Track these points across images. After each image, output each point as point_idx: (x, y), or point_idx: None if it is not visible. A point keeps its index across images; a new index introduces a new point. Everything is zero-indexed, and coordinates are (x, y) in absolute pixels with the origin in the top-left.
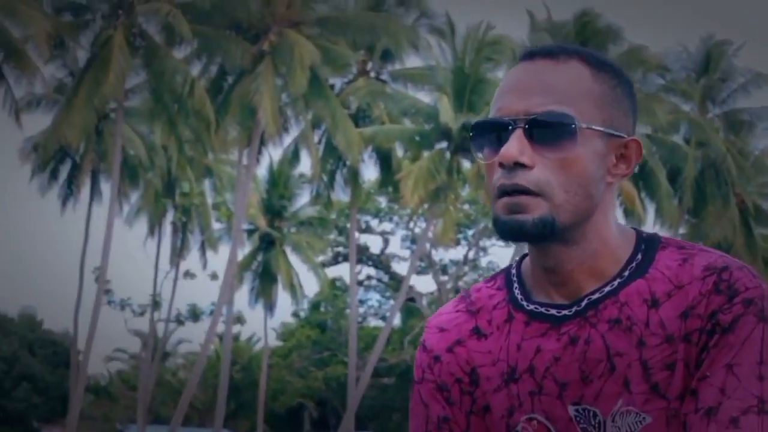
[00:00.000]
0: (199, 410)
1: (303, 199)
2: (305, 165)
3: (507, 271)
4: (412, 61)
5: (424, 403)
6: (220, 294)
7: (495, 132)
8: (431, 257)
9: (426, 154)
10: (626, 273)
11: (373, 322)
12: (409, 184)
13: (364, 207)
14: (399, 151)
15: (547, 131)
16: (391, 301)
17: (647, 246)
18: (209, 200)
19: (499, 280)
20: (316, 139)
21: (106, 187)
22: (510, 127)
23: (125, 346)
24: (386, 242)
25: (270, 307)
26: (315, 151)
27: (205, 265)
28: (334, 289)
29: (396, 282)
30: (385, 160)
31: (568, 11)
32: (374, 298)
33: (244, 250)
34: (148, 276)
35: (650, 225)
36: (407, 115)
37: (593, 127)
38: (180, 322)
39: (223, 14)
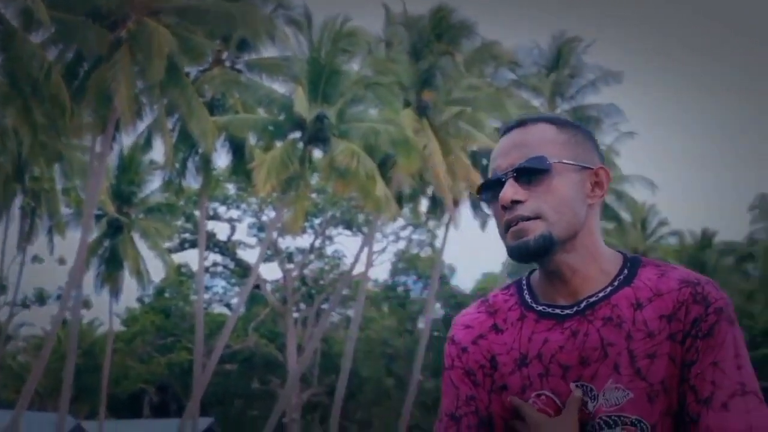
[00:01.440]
0: (40, 394)
1: (153, 185)
2: (158, 152)
3: (518, 281)
4: (269, 52)
5: (454, 385)
6: (69, 278)
7: (493, 188)
8: (277, 245)
9: (279, 143)
10: (616, 282)
11: (218, 309)
12: (262, 173)
13: (213, 194)
14: (252, 140)
15: (530, 172)
16: (236, 288)
17: (632, 263)
18: (59, 186)
19: (512, 288)
20: (170, 126)
21: None
22: (503, 179)
23: None
24: (233, 229)
25: (116, 293)
26: (168, 138)
27: (52, 250)
28: (180, 275)
29: (242, 269)
30: (238, 149)
31: (424, 6)
32: (220, 284)
33: (92, 235)
34: None
35: None
36: (262, 104)
37: (563, 161)
38: (25, 305)
39: (82, 1)
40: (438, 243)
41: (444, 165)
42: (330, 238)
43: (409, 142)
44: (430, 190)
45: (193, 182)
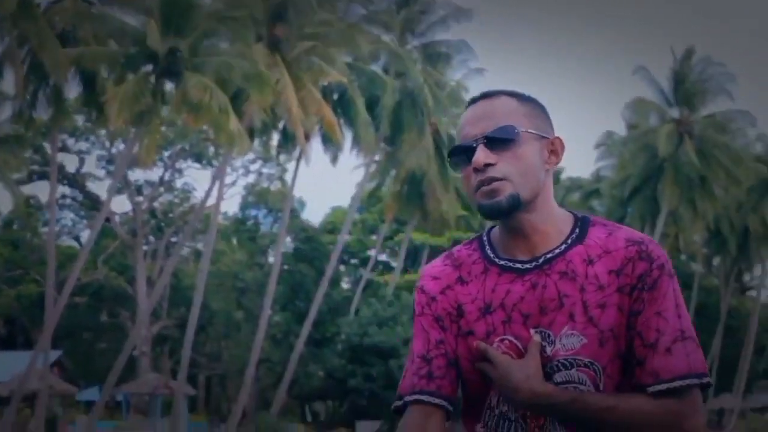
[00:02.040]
0: None
1: (2, 116)
2: (8, 82)
3: (479, 237)
4: None
5: (425, 330)
6: None
7: (464, 152)
8: (127, 178)
9: (131, 76)
10: (569, 240)
11: (67, 242)
12: (114, 107)
13: (62, 126)
14: (104, 73)
15: (499, 140)
16: (85, 221)
17: (582, 223)
18: None
19: (474, 244)
20: (20, 57)
21: None
22: (474, 145)
23: None
24: (82, 161)
25: None
26: (19, 69)
27: None
28: (29, 208)
29: (91, 201)
30: (89, 81)
31: None
32: (69, 217)
33: None
34: None
35: (347, 152)
36: (114, 37)
37: (529, 131)
38: None
39: None
40: (288, 177)
41: (296, 99)
42: (180, 170)
43: (261, 77)
44: (281, 124)
45: (43, 114)
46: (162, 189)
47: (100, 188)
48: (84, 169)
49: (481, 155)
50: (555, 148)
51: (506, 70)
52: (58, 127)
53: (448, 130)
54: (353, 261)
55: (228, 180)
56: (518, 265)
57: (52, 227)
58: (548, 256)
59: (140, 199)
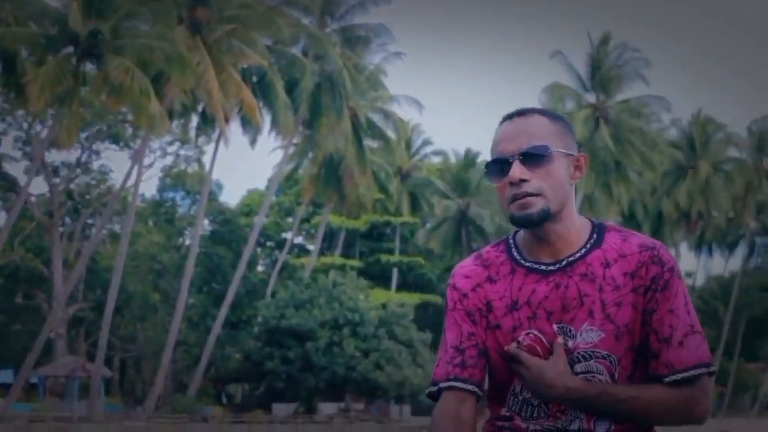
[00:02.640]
0: None
1: None
2: None
3: (506, 240)
4: None
5: (458, 323)
6: None
7: (499, 165)
8: (44, 159)
9: (52, 58)
10: (588, 245)
11: None
12: (35, 88)
13: None
14: (24, 54)
15: (534, 157)
16: (0, 202)
17: (599, 229)
18: None
19: (501, 246)
20: None
21: None
22: (510, 160)
23: None
24: None
25: None
26: None
27: None
28: None
29: (8, 183)
30: (9, 62)
31: None
32: None
33: None
34: None
35: (266, 134)
36: (34, 18)
37: (560, 150)
38: None
39: None
40: (206, 159)
41: (216, 82)
42: (97, 152)
43: (183, 59)
44: (200, 107)
45: None
46: (79, 170)
47: (16, 169)
48: (0, 150)
49: (517, 171)
50: (579, 164)
51: (424, 53)
52: None
53: (366, 113)
54: (269, 243)
55: (145, 162)
56: (543, 267)
57: None
58: (570, 259)
59: (57, 180)
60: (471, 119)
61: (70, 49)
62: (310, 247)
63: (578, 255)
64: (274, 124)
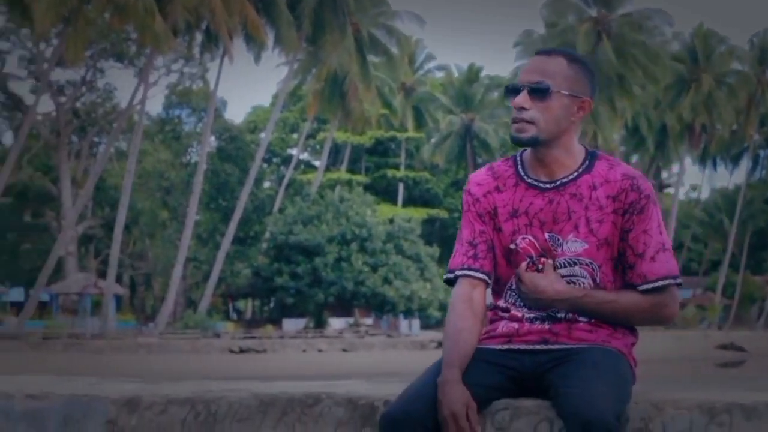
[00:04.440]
0: None
1: None
2: None
3: (515, 157)
4: None
5: (471, 222)
6: None
7: (513, 91)
8: (49, 78)
9: None
10: (581, 169)
11: None
12: (41, 7)
13: None
14: None
15: (538, 92)
16: (8, 122)
17: (591, 157)
18: None
19: (510, 161)
20: None
21: None
22: (520, 89)
23: None
24: (3, 62)
25: None
26: None
27: None
28: None
29: (13, 102)
30: None
31: None
32: None
33: None
34: None
35: (270, 51)
36: None
37: (561, 91)
38: None
39: None
40: (211, 77)
41: (220, 0)
42: (101, 70)
43: None
44: (204, 24)
45: None
46: (84, 89)
47: (21, 88)
48: (5, 70)
49: (520, 99)
50: (583, 106)
51: None
52: None
53: (369, 29)
54: (275, 160)
55: (150, 80)
56: (541, 185)
57: None
58: (563, 180)
59: (63, 99)
60: (473, 34)
61: None
62: (316, 163)
63: (570, 177)
64: (278, 41)
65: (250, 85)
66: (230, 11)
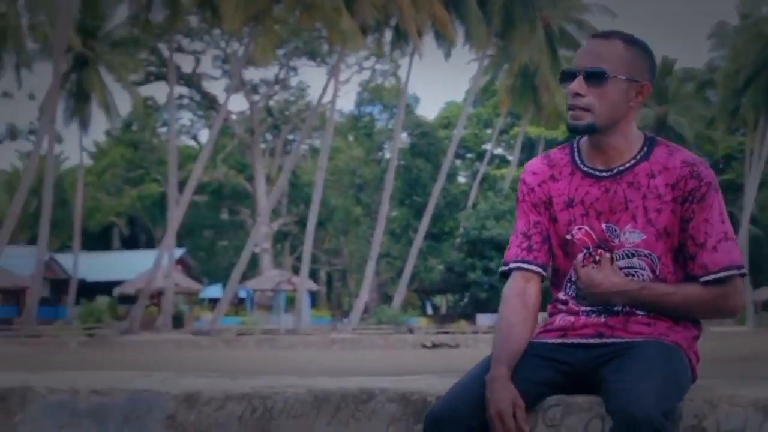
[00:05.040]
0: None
1: (118, 19)
2: None
3: (571, 144)
4: None
5: (526, 213)
6: (40, 113)
7: (570, 75)
8: (242, 77)
9: None
10: (638, 156)
11: (186, 141)
12: (230, 7)
13: (176, 27)
14: None
15: (594, 77)
16: (203, 121)
17: (650, 143)
18: (23, 20)
19: (566, 149)
20: None
21: None
22: (576, 74)
23: None
24: (198, 62)
25: (84, 126)
26: None
27: (20, 85)
28: (147, 108)
29: (207, 101)
30: None
31: None
32: (186, 117)
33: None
34: None
35: (460, 47)
36: None
37: (618, 76)
38: None
39: None
40: (402, 73)
41: None
42: (294, 69)
43: None
44: (393, 21)
45: (158, 15)
46: (277, 87)
47: (216, 88)
48: (200, 70)
49: (576, 85)
50: (642, 91)
51: None
52: (173, 28)
53: (559, 23)
54: (469, 155)
55: (342, 77)
56: (597, 173)
57: (172, 127)
58: (620, 168)
59: (256, 98)
60: (666, 26)
61: None
62: (510, 157)
63: (628, 165)
64: (468, 36)
65: (443, 81)
66: (418, 8)
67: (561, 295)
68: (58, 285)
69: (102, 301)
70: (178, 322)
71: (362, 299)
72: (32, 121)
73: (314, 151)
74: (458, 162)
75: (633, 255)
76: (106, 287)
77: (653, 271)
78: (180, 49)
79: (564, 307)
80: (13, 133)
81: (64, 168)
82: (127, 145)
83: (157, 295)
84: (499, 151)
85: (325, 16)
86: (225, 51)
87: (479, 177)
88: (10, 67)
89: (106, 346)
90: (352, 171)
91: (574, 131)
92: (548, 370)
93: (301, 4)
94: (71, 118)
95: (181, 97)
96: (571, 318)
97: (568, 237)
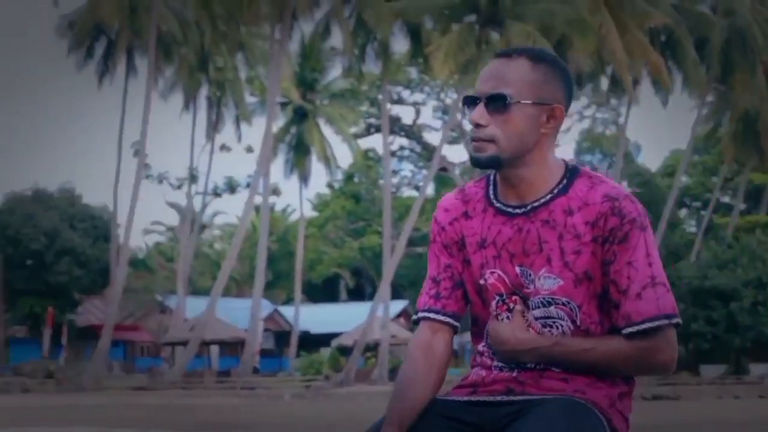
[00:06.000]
0: (236, 281)
1: (335, 72)
2: (336, 39)
3: (488, 177)
4: None
5: (436, 255)
6: (257, 166)
7: (472, 103)
8: (462, 127)
9: (455, 26)
10: (555, 191)
11: (407, 192)
12: (439, 57)
13: (395, 78)
14: (428, 24)
15: (494, 104)
16: (424, 171)
17: (570, 174)
18: (242, 74)
19: (482, 182)
20: (346, 13)
21: (141, 63)
22: (478, 101)
23: (163, 219)
24: (418, 113)
25: (305, 179)
26: (345, 25)
27: (240, 138)
28: (367, 160)
29: (428, 152)
30: (414, 33)
31: None
32: (407, 168)
33: (278, 123)
34: (185, 150)
35: (678, 93)
36: None
37: (522, 101)
38: (217, 194)
39: None
40: (621, 121)
41: (621, 44)
42: None
43: (584, 22)
44: (609, 69)
45: (373, 67)
46: None
47: (437, 138)
48: (420, 120)
49: (477, 114)
50: (554, 115)
51: None
52: (387, 79)
53: None
54: (695, 204)
55: (563, 126)
56: (509, 210)
57: (387, 178)
58: (534, 204)
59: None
60: None
61: (472, 17)
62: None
63: (542, 201)
64: (686, 82)
65: (665, 128)
66: (631, 55)
67: (480, 347)
68: (282, 337)
69: (323, 352)
70: (394, 373)
71: None
72: (250, 174)
73: None
74: (683, 211)
75: (550, 303)
76: (328, 339)
77: (573, 322)
78: (400, 101)
79: (480, 359)
80: (232, 187)
81: (290, 220)
82: (348, 197)
83: (374, 347)
84: (725, 199)
85: None
86: (444, 101)
87: (704, 225)
88: (229, 120)
89: (319, 398)
90: None
91: (477, 165)
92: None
93: None
94: (291, 170)
95: (401, 148)
96: (483, 372)
97: (481, 282)
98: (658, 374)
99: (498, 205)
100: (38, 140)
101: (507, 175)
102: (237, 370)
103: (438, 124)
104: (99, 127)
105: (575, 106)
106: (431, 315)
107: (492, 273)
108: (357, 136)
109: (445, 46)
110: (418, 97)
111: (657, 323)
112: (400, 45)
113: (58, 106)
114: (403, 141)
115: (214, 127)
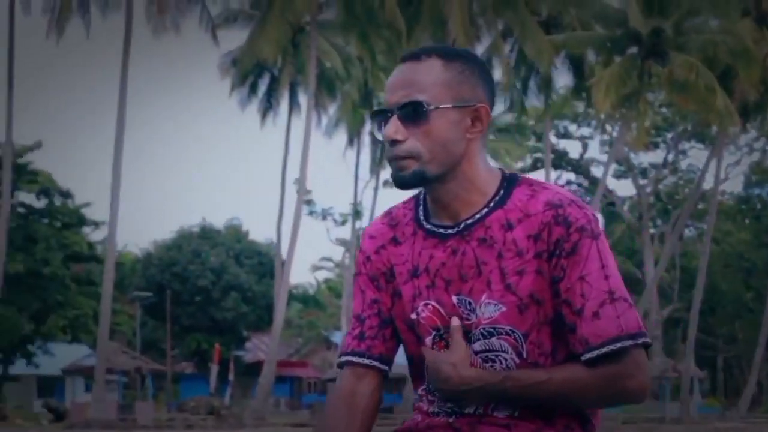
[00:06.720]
0: None
1: (499, 107)
2: (497, 74)
3: (417, 196)
4: None
5: (362, 289)
6: None
7: (381, 119)
8: (630, 161)
9: (617, 59)
10: (491, 204)
11: None
12: (601, 90)
13: (561, 112)
14: (591, 57)
15: (409, 114)
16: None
17: (508, 183)
18: None
19: (411, 203)
20: (507, 48)
21: (303, 100)
22: (389, 114)
23: (328, 255)
24: (585, 147)
25: None
26: (506, 60)
27: None
28: None
29: (595, 186)
30: (577, 66)
31: None
32: None
33: None
34: (349, 186)
35: None
36: (597, 20)
37: (441, 106)
38: None
39: None
40: None
41: None
42: (683, 152)
43: (749, 52)
44: None
45: (536, 102)
46: (666, 171)
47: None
48: (587, 154)
49: (391, 130)
50: (479, 115)
51: None
52: (550, 114)
53: None
54: None
55: (732, 159)
56: (441, 230)
57: None
58: (468, 222)
59: (644, 182)
60: None
61: (634, 48)
62: None
63: (477, 217)
64: None
65: None
66: None
67: (420, 390)
68: None
69: None
70: None
71: (750, 387)
72: None
73: (702, 235)
74: None
75: (491, 334)
76: None
77: (519, 354)
78: (567, 135)
79: (418, 404)
80: None
81: None
82: None
83: None
84: None
85: (699, 97)
86: (611, 135)
87: None
88: None
89: None
90: (739, 255)
91: (401, 186)
92: None
93: (673, 85)
94: None
95: (569, 182)
96: (419, 418)
97: (413, 316)
98: (627, 403)
99: (428, 226)
100: (205, 178)
101: (436, 191)
102: (399, 406)
103: (605, 158)
104: (263, 164)
105: (745, 138)
106: (354, 359)
107: (426, 305)
108: (523, 171)
109: (606, 79)
110: (585, 131)
111: (619, 345)
112: (564, 79)
113: (222, 144)
114: (570, 175)
115: (378, 162)
